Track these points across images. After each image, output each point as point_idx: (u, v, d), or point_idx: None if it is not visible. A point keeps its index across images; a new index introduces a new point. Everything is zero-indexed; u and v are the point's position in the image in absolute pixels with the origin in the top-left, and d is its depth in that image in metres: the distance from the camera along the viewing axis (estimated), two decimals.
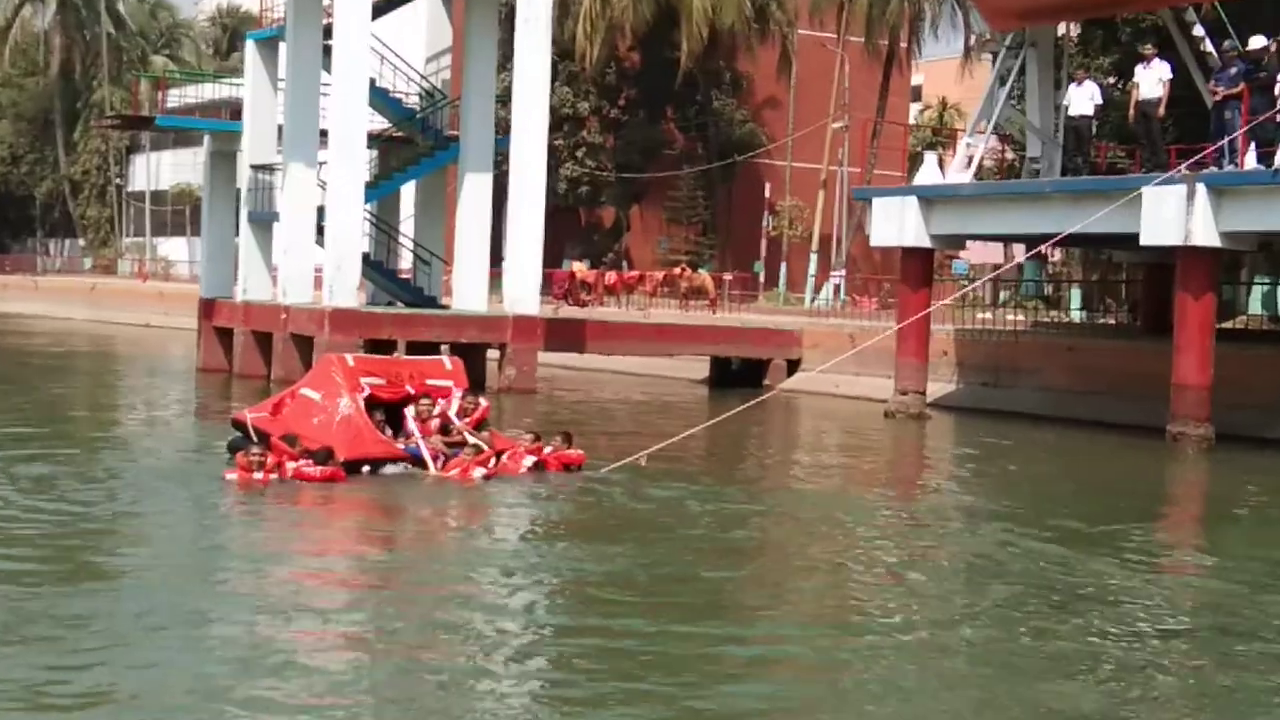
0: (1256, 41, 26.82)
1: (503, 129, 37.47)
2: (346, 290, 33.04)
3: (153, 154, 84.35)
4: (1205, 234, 25.82)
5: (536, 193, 34.57)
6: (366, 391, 17.75)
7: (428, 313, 34.95)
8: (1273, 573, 14.36)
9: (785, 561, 14.45)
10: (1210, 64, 30.27)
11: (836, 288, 54.92)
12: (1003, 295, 51.80)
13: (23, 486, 16.18)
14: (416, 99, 38.69)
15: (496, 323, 34.54)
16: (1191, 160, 26.44)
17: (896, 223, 31.16)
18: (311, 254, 35.20)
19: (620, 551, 13.88)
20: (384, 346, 32.65)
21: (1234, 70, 26.63)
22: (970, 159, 31.69)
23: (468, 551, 13.97)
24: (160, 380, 36.26)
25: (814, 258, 57.69)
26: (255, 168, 37.25)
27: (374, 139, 36.37)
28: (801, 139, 61.80)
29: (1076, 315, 44.30)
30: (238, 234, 38.99)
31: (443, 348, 33.34)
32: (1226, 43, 29.28)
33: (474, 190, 35.71)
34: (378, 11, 34.17)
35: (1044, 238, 28.90)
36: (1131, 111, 29.07)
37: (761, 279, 59.67)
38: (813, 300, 53.89)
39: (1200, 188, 25.71)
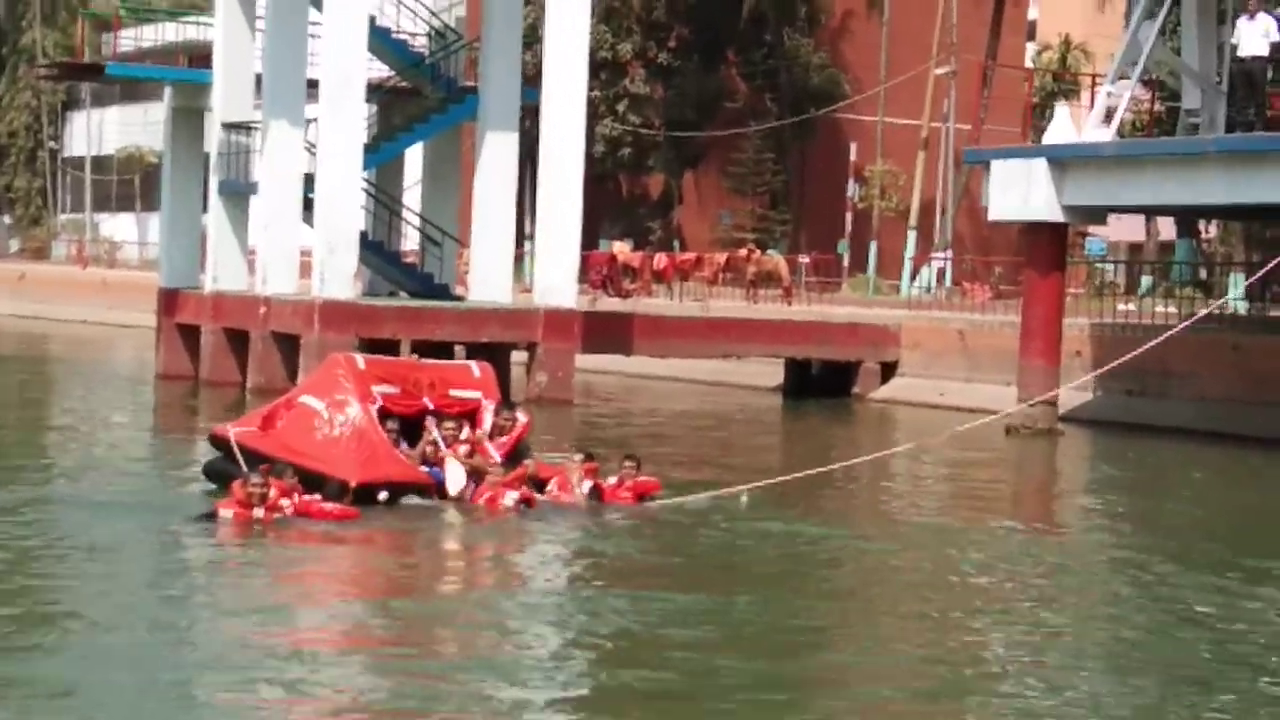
0: None
1: (529, 78, 37.53)
2: (341, 278, 33.17)
3: (94, 111, 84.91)
4: None
5: (574, 155, 34.64)
6: (379, 402, 17.79)
7: (439, 306, 35.04)
8: None
9: (902, 615, 14.46)
10: None
11: (940, 273, 54.77)
12: (1144, 282, 51.61)
13: None
14: (425, 41, 38.81)
15: (524, 318, 34.60)
16: None
17: (1021, 191, 31.10)
18: (297, 233, 35.34)
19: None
20: (385, 347, 32.76)
21: None
22: (1111, 111, 31.58)
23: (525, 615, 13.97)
24: (110, 391, 36.48)
25: (912, 235, 57.57)
26: (228, 127, 37.42)
27: (373, 91, 36.52)
28: (896, 88, 61.63)
29: (1238, 306, 44.04)
30: (205, 209, 39.17)
31: (457, 349, 33.52)
32: None
33: (496, 153, 35.77)
34: None
35: (1204, 209, 28.79)
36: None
37: (846, 262, 59.61)
38: (910, 288, 53.79)
39: None
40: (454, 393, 18.44)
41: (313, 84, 34.62)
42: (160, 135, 76.68)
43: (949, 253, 56.95)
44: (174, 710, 10.40)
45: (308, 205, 34.65)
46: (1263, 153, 27.67)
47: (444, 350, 32.53)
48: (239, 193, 37.60)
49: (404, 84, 39.13)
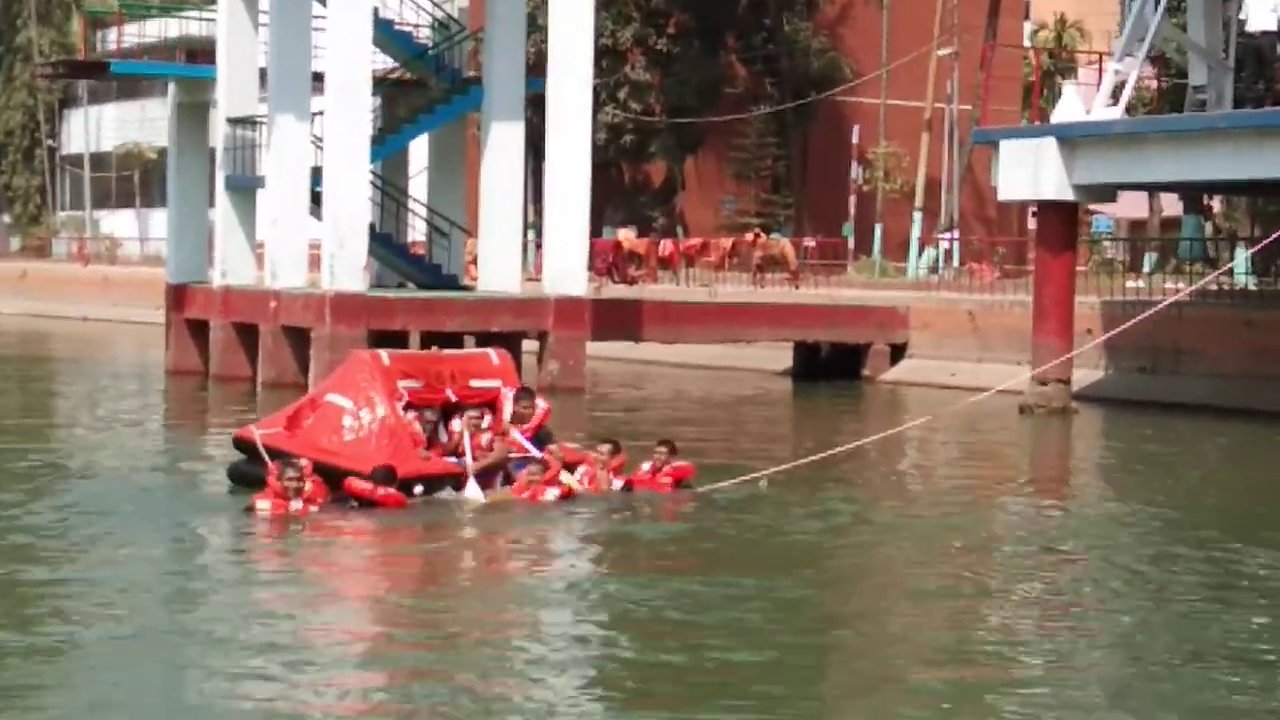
0: None
1: (530, 67, 37.53)
2: (351, 270, 33.20)
3: (91, 108, 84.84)
4: None
5: (581, 143, 34.66)
6: (405, 398, 17.76)
7: (450, 296, 35.08)
8: None
9: (931, 604, 14.50)
10: None
11: (947, 253, 54.75)
12: (1148, 259, 51.64)
13: None
14: (428, 32, 38.80)
15: (534, 306, 34.64)
16: None
17: (1030, 170, 31.13)
18: (305, 227, 35.36)
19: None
20: (395, 339, 32.83)
21: None
22: (1119, 89, 31.60)
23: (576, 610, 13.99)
24: (120, 387, 36.47)
25: (917, 216, 57.57)
26: (233, 122, 37.41)
27: (378, 83, 36.48)
28: (896, 70, 61.66)
29: (1246, 280, 44.08)
30: (211, 204, 39.17)
31: (467, 339, 33.54)
32: None
33: (502, 143, 35.81)
34: None
35: (1216, 185, 28.82)
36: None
37: (851, 245, 59.61)
38: (917, 268, 53.81)
39: None
40: (474, 383, 18.39)
41: (318, 77, 34.65)
42: (158, 131, 77.62)
43: (955, 233, 56.97)
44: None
45: (315, 199, 34.67)
46: (1274, 127, 27.68)
47: (454, 340, 32.59)
48: (246, 187, 37.60)
49: (408, 76, 39.09)
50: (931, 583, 14.97)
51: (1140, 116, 35.06)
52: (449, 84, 37.75)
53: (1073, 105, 31.73)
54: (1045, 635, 12.93)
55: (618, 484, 18.27)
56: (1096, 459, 26.75)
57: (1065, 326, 31.57)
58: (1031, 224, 67.48)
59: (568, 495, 17.63)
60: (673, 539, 16.68)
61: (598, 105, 59.63)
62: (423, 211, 39.01)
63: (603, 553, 15.98)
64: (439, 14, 38.89)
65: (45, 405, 32.57)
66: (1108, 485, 22.86)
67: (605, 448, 18.61)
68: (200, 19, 45.28)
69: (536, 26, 43.44)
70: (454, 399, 18.26)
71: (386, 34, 36.43)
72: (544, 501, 17.46)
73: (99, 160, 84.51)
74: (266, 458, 17.01)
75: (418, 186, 40.55)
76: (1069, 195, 31.08)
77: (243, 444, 17.88)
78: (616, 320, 37.03)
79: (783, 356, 40.52)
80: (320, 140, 34.61)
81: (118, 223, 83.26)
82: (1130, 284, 39.89)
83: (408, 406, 17.81)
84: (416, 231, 40.41)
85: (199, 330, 37.65)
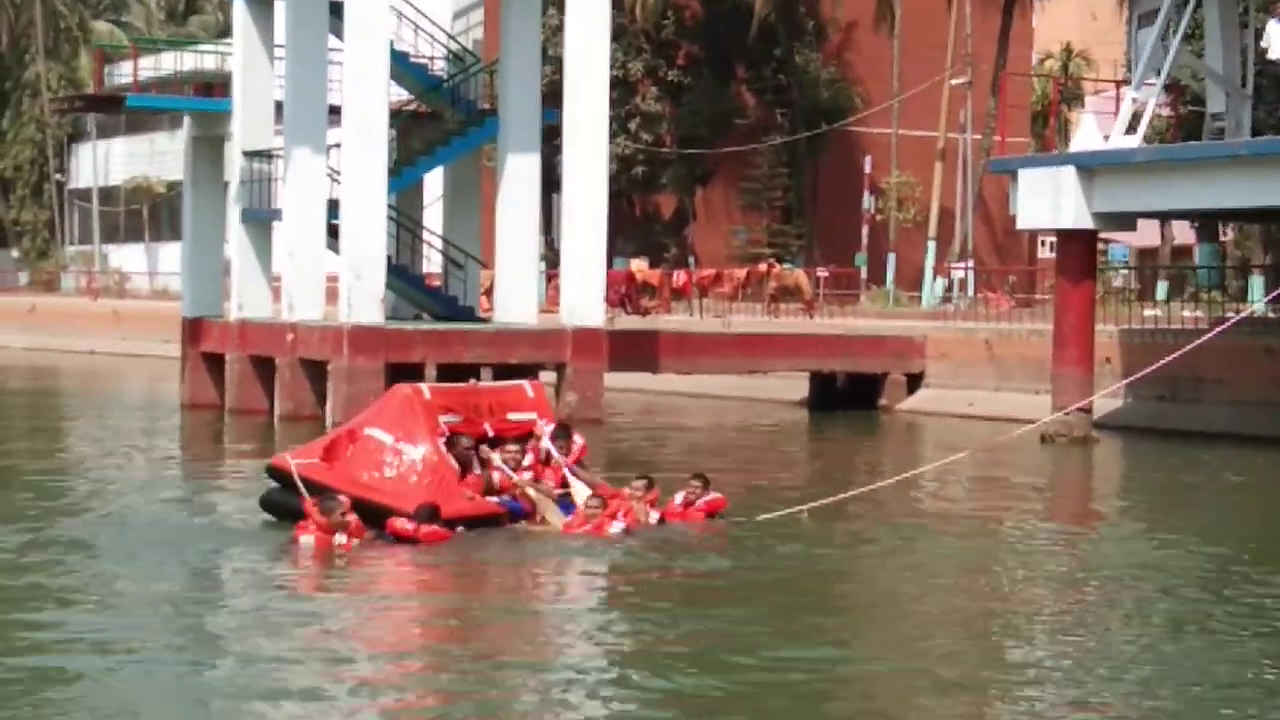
0: None
1: (545, 99, 37.58)
2: (369, 303, 33.18)
3: (100, 142, 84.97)
4: None
5: (598, 172, 34.76)
6: (446, 433, 17.68)
7: (468, 328, 35.07)
8: None
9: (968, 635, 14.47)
10: None
11: (962, 282, 54.77)
12: (1161, 288, 51.60)
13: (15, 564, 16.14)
14: (443, 64, 38.88)
15: (552, 338, 34.63)
16: None
17: (1050, 199, 31.13)
18: (322, 259, 35.38)
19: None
20: (412, 371, 32.81)
21: None
22: (1137, 117, 31.62)
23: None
24: (137, 421, 36.42)
25: (931, 245, 57.59)
26: (249, 155, 37.45)
27: (393, 115, 36.50)
28: (910, 100, 61.75)
29: (1260, 308, 44.05)
30: (226, 238, 39.19)
31: (482, 371, 33.52)
32: None
33: (518, 174, 35.86)
34: None
35: (1237, 213, 28.83)
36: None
37: (864, 275, 59.65)
38: (932, 298, 53.82)
39: None
40: (511, 415, 18.36)
41: (333, 110, 34.68)
42: (167, 165, 77.76)
43: (970, 262, 57.00)
44: None
45: (332, 231, 34.68)
46: None
47: (470, 372, 32.52)
48: (262, 220, 37.62)
49: (423, 108, 39.14)
50: (972, 609, 14.95)
51: (1161, 145, 35.07)
52: (464, 116, 37.80)
53: (1091, 134, 31.75)
54: (1073, 664, 12.88)
55: (654, 517, 18.21)
56: (1126, 488, 26.70)
57: (1086, 355, 31.55)
58: (1041, 252, 67.83)
59: (633, 528, 17.60)
60: (719, 572, 16.55)
61: (608, 136, 59.82)
62: (438, 243, 39.03)
63: (649, 586, 15.86)
64: (454, 46, 38.95)
65: (62, 440, 32.49)
66: (1143, 515, 22.71)
67: (640, 483, 18.52)
68: (214, 52, 45.30)
69: (550, 58, 43.51)
70: (491, 433, 18.20)
71: (402, 66, 36.46)
72: (609, 534, 17.40)
73: (107, 194, 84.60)
74: (303, 489, 16.92)
75: (432, 217, 40.58)
76: (1088, 223, 31.08)
77: (277, 473, 17.76)
78: (633, 351, 37.01)
79: (799, 387, 40.49)
80: (336, 173, 34.64)
81: (126, 257, 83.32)
82: (1148, 312, 39.86)
83: (448, 442, 17.74)
84: (432, 263, 40.44)
85: (215, 364, 37.62)
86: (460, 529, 17.15)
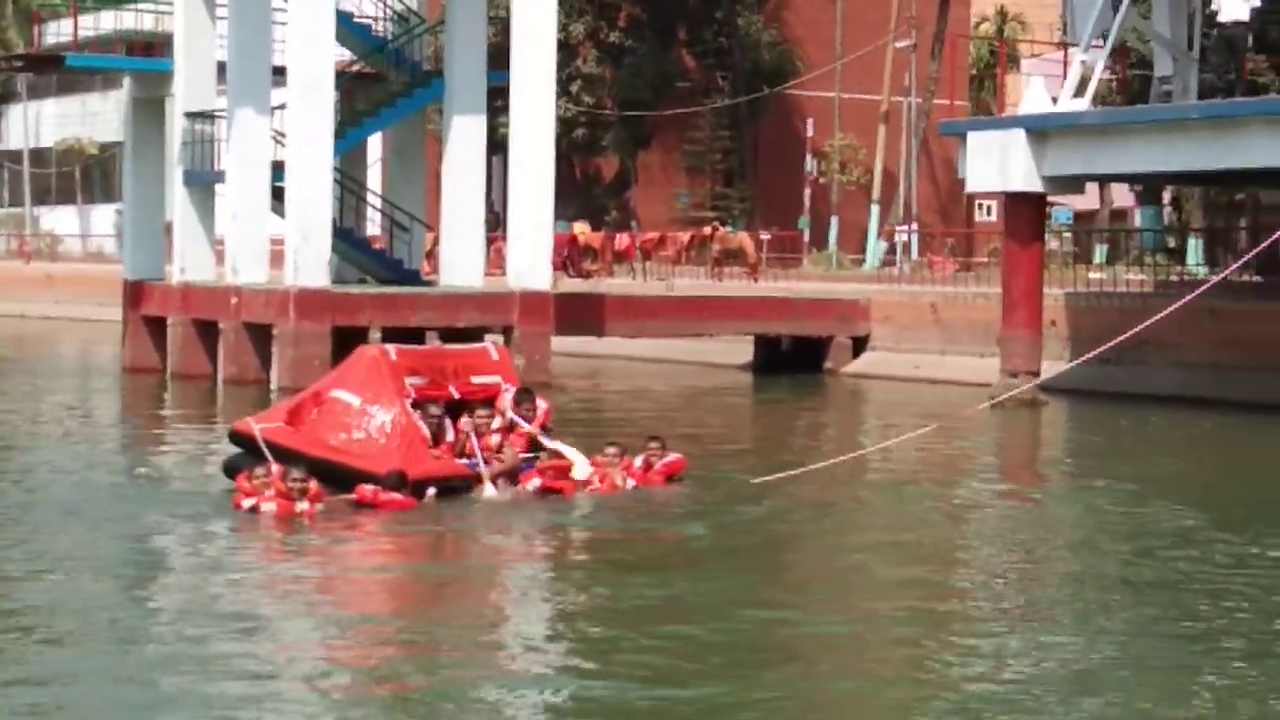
0: None
1: (490, 61, 37.45)
2: (315, 266, 33.02)
3: (30, 103, 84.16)
4: None
5: (544, 135, 34.74)
6: (412, 395, 17.63)
7: (414, 292, 34.99)
8: None
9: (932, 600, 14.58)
10: None
11: (905, 245, 54.97)
12: (1098, 251, 51.99)
13: None
14: (387, 25, 38.67)
15: (499, 301, 34.57)
16: None
17: (998, 162, 31.25)
18: (267, 222, 35.15)
19: None
20: (358, 335, 32.68)
21: None
22: (1085, 80, 31.77)
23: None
24: (79, 384, 36.20)
25: (875, 209, 57.76)
26: (191, 116, 37.15)
27: (337, 77, 36.27)
28: (852, 63, 61.88)
29: (1199, 271, 44.48)
30: (167, 200, 38.90)
31: (429, 335, 33.45)
32: None
33: (463, 136, 35.74)
34: None
35: (1186, 176, 29.04)
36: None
37: (807, 238, 59.78)
38: (875, 260, 54.01)
39: None
40: (475, 379, 18.32)
41: (277, 71, 34.44)
42: (99, 126, 77.08)
43: (914, 225, 57.20)
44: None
45: (276, 194, 34.47)
46: (1245, 117, 27.90)
47: (416, 336, 32.51)
48: (205, 183, 37.34)
49: (367, 69, 38.94)
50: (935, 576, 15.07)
51: (1111, 108, 35.23)
52: (409, 77, 37.62)
53: (1040, 97, 31.87)
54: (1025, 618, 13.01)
55: (631, 483, 18.30)
56: (1081, 450, 26.87)
57: (1035, 318, 31.73)
58: (979, 216, 68.15)
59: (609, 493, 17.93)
60: (699, 536, 16.61)
61: None
62: (381, 205, 38.87)
63: (614, 550, 15.94)
64: (398, 6, 38.75)
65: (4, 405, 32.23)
66: (1094, 474, 22.82)
67: (612, 449, 18.63)
68: (154, 11, 44.84)
69: (494, 19, 43.30)
70: (457, 395, 18.16)
71: (346, 27, 36.24)
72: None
73: (38, 156, 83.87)
74: (267, 453, 16.82)
75: (372, 179, 40.41)
76: (1038, 186, 31.22)
77: (240, 438, 17.58)
78: (579, 315, 36.98)
79: (743, 350, 40.54)
80: (281, 135, 34.41)
81: (58, 219, 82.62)
82: (1094, 275, 40.13)
83: (414, 404, 17.69)
84: (375, 225, 40.30)
85: (157, 327, 37.37)
86: (431, 490, 17.12)
